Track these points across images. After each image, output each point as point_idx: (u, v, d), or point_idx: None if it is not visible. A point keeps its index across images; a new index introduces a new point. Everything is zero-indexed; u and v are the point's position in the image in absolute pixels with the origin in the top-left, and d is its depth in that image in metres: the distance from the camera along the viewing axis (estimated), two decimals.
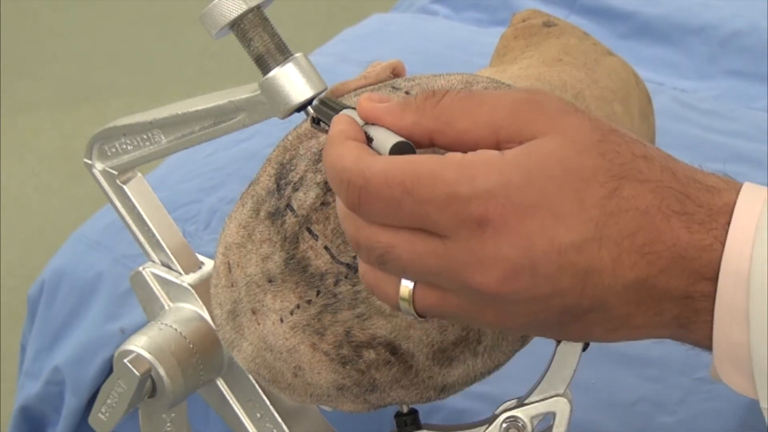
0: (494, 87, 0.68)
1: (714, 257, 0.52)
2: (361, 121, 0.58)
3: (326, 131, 0.63)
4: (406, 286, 0.55)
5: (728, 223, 0.52)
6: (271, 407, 0.77)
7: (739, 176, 0.58)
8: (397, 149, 0.55)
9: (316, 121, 0.65)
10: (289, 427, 0.77)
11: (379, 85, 0.70)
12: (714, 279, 0.53)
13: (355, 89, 0.71)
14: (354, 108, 0.60)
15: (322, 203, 0.65)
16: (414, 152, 0.55)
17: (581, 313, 0.54)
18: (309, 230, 0.65)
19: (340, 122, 0.58)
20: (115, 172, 0.79)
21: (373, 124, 0.57)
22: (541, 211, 0.52)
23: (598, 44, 0.86)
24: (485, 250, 0.52)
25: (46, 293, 1.21)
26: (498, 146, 0.54)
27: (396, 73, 0.73)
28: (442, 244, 0.53)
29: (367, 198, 0.54)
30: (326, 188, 0.65)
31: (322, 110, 0.64)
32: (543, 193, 0.52)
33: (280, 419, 0.76)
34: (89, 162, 0.79)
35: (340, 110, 0.61)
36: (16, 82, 2.88)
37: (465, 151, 0.54)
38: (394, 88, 0.68)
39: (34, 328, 1.22)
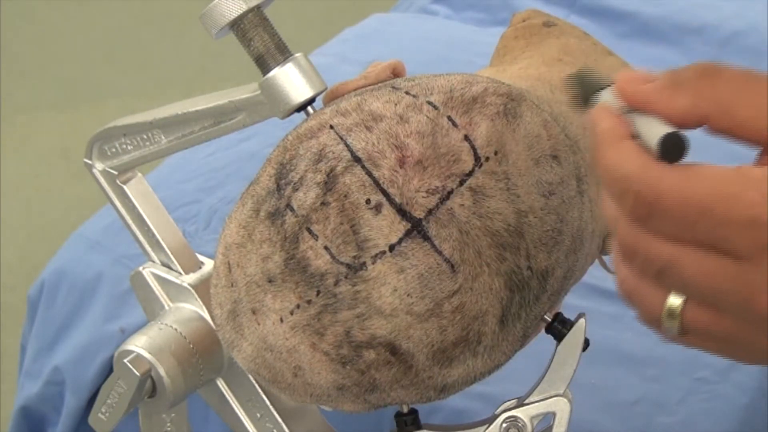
0: (494, 86, 0.68)
1: None
2: (615, 102, 0.54)
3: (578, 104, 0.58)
4: (676, 301, 0.53)
5: None
6: (271, 407, 0.77)
7: None
8: (669, 144, 0.51)
9: (584, 96, 0.58)
10: (289, 427, 0.77)
11: (379, 85, 0.70)
12: None
13: (355, 89, 0.71)
14: (609, 86, 0.55)
15: (322, 203, 0.65)
16: (686, 146, 0.51)
17: None
18: (309, 230, 0.65)
19: (605, 118, 0.54)
20: (115, 172, 0.79)
21: (635, 111, 0.53)
22: None
23: (598, 44, 0.86)
24: None
25: (46, 293, 1.21)
26: None
27: (396, 73, 0.73)
28: (735, 265, 0.51)
29: (658, 214, 0.51)
30: (326, 188, 0.65)
31: (578, 83, 0.58)
32: None
33: (280, 419, 0.76)
34: (89, 162, 0.79)
35: (601, 87, 0.56)
36: (16, 82, 2.88)
37: (744, 143, 0.51)
38: (394, 88, 0.68)
39: (34, 328, 1.22)
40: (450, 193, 0.64)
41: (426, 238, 0.64)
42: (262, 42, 0.70)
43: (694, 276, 0.52)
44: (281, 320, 0.66)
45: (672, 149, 0.51)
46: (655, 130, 0.52)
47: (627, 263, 0.54)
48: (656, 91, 0.53)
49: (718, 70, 0.52)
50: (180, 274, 0.79)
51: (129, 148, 0.77)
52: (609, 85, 0.56)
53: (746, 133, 0.52)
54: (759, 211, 0.50)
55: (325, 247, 0.64)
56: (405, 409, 0.71)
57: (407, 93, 0.67)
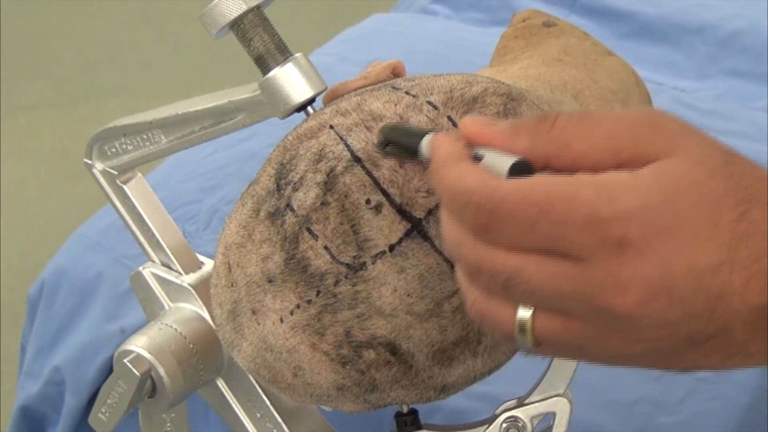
0: (494, 86, 0.68)
1: None
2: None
3: (395, 155, 0.63)
4: (525, 314, 0.54)
5: None
6: (271, 407, 0.77)
7: None
8: (518, 169, 0.53)
9: (383, 145, 0.64)
10: (289, 427, 0.77)
11: (379, 85, 0.70)
12: None
13: (355, 89, 0.71)
14: (431, 132, 0.59)
15: (322, 203, 0.65)
16: (532, 172, 0.54)
17: (703, 340, 0.53)
18: (309, 230, 0.65)
19: (444, 143, 0.56)
20: (115, 172, 0.79)
21: (479, 146, 0.55)
22: (678, 233, 0.51)
23: (598, 44, 0.86)
24: (625, 272, 0.51)
25: (46, 293, 1.21)
26: (618, 168, 0.53)
27: (396, 73, 0.73)
28: (576, 266, 0.52)
29: (498, 220, 0.52)
30: (326, 188, 0.65)
31: (397, 135, 0.63)
32: (680, 214, 0.51)
33: (280, 419, 0.76)
34: (89, 162, 0.79)
35: (422, 134, 0.60)
36: (16, 82, 2.88)
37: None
38: (394, 88, 0.68)
39: (34, 328, 1.22)
40: None
41: (426, 238, 0.64)
42: (262, 42, 0.70)
43: (538, 283, 0.52)
44: (281, 320, 0.66)
45: (521, 174, 0.53)
46: (506, 160, 0.54)
47: (474, 283, 0.55)
48: (499, 132, 0.55)
49: (553, 116, 0.54)
50: (180, 274, 0.79)
51: (129, 148, 0.77)
52: (428, 133, 0.60)
53: (587, 162, 0.53)
54: (595, 209, 0.51)
55: (325, 247, 0.64)
56: (405, 409, 0.71)
57: (407, 93, 0.67)
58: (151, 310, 0.79)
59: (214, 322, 0.71)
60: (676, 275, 0.51)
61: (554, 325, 0.53)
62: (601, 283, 0.51)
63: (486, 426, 0.70)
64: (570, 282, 0.52)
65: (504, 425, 0.69)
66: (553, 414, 0.69)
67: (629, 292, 0.51)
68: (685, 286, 0.51)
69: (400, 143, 0.63)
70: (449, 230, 0.55)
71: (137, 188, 0.80)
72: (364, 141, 0.65)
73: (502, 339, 0.57)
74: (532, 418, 0.69)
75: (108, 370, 1.10)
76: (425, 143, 0.59)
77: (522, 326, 0.54)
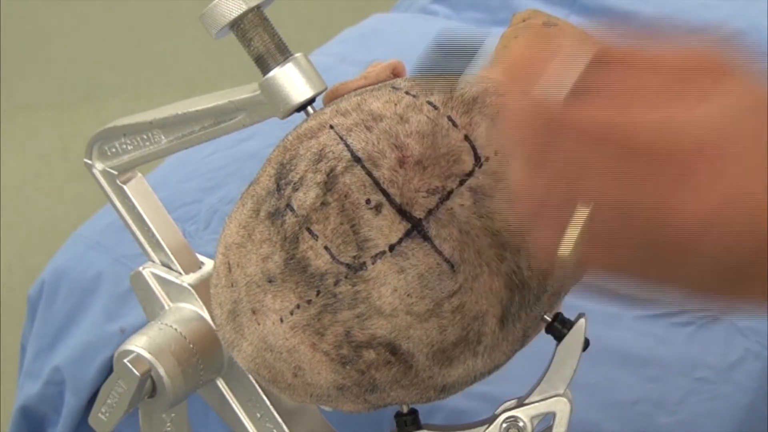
0: (494, 86, 0.68)
1: None
2: None
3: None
4: (574, 231, 0.54)
5: None
6: (271, 407, 0.77)
7: None
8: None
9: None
10: (289, 427, 0.77)
11: (379, 85, 0.70)
12: None
13: (355, 89, 0.71)
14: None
15: (322, 203, 0.65)
16: None
17: (753, 267, 0.53)
18: (309, 230, 0.65)
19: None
20: (115, 172, 0.79)
21: None
22: (746, 155, 0.52)
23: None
24: (702, 177, 0.52)
25: (46, 293, 1.21)
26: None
27: (396, 73, 0.73)
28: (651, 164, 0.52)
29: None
30: (326, 188, 0.65)
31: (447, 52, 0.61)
32: (748, 137, 0.52)
33: (280, 419, 0.76)
34: (89, 162, 0.79)
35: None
36: (16, 82, 2.88)
37: None
38: (394, 88, 0.68)
39: (34, 328, 1.22)
40: (450, 193, 0.64)
41: (426, 238, 0.64)
42: (262, 42, 0.70)
43: (607, 176, 0.53)
44: (281, 320, 0.66)
45: None
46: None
47: (536, 173, 0.54)
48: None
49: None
50: (180, 274, 0.79)
51: (129, 148, 0.77)
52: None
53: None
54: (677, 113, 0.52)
55: (325, 247, 0.64)
56: (405, 409, 0.71)
57: (407, 93, 0.67)
58: (151, 310, 0.79)
59: (214, 322, 0.71)
60: (746, 192, 0.52)
61: (614, 224, 0.53)
62: (677, 182, 0.52)
63: (486, 426, 0.70)
64: (641, 179, 0.52)
65: (504, 425, 0.69)
66: (553, 414, 0.69)
67: (703, 197, 0.52)
68: (752, 205, 0.52)
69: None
70: (509, 121, 0.55)
71: (137, 188, 0.80)
72: (364, 141, 0.65)
73: (542, 256, 0.56)
74: (532, 418, 0.69)
75: (108, 370, 1.10)
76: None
77: (570, 239, 0.54)
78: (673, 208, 0.52)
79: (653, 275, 0.56)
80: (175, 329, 0.75)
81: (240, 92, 0.71)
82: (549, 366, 0.69)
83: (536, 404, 0.69)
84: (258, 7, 0.69)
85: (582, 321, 0.70)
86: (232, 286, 0.68)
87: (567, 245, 0.54)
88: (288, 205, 0.65)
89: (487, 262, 0.64)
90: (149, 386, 0.74)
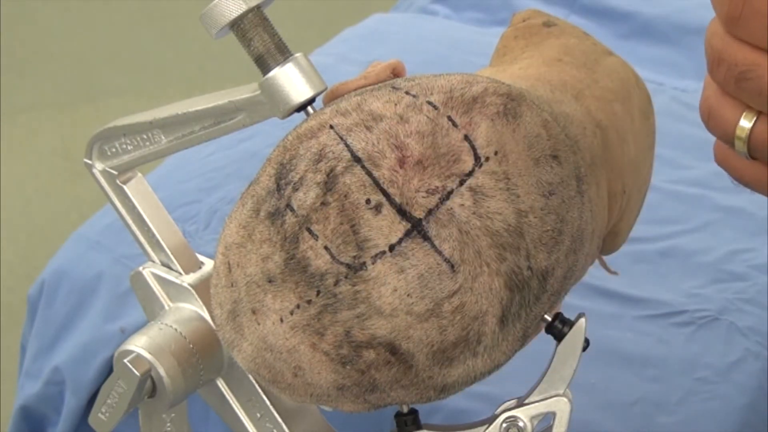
0: (494, 86, 0.68)
1: None
2: None
3: None
4: (746, 124, 0.56)
5: None
6: (271, 407, 0.77)
7: None
8: None
9: None
10: (289, 427, 0.77)
11: (379, 85, 0.70)
12: None
13: (355, 89, 0.71)
14: None
15: (322, 203, 0.65)
16: None
17: None
18: (309, 230, 0.65)
19: None
20: (115, 172, 0.79)
21: None
22: None
23: (598, 44, 0.86)
24: None
25: (46, 293, 1.21)
26: None
27: (396, 73, 0.73)
28: None
29: (750, 13, 0.54)
30: (326, 188, 0.65)
31: None
32: None
33: (280, 419, 0.76)
34: (89, 162, 0.79)
35: None
36: (16, 82, 2.88)
37: None
38: (394, 88, 0.68)
39: (34, 328, 1.22)
40: (450, 193, 0.64)
41: (426, 238, 0.64)
42: (262, 42, 0.70)
43: None
44: (281, 320, 0.66)
45: None
46: None
47: (713, 75, 0.57)
48: None
49: None
50: (180, 274, 0.79)
51: (129, 148, 0.77)
52: None
53: None
54: None
55: (325, 247, 0.64)
56: (405, 409, 0.71)
57: (407, 93, 0.67)
58: (151, 310, 0.79)
59: (214, 322, 0.71)
60: None
61: None
62: None
63: (486, 426, 0.70)
64: None
65: (504, 425, 0.69)
66: (553, 414, 0.69)
67: None
68: None
69: None
70: (712, 24, 0.58)
71: (137, 188, 0.80)
72: (364, 141, 0.65)
73: (721, 140, 0.60)
74: (532, 418, 0.69)
75: (108, 370, 1.10)
76: None
77: (741, 131, 0.56)
78: None
79: None
80: (175, 329, 0.75)
81: (240, 92, 0.71)
82: (549, 366, 0.69)
83: (536, 404, 0.69)
84: (258, 7, 0.69)
85: (582, 321, 0.70)
86: (232, 286, 0.68)
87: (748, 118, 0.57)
88: (288, 205, 0.65)
89: (487, 262, 0.64)
90: (149, 386, 0.74)
